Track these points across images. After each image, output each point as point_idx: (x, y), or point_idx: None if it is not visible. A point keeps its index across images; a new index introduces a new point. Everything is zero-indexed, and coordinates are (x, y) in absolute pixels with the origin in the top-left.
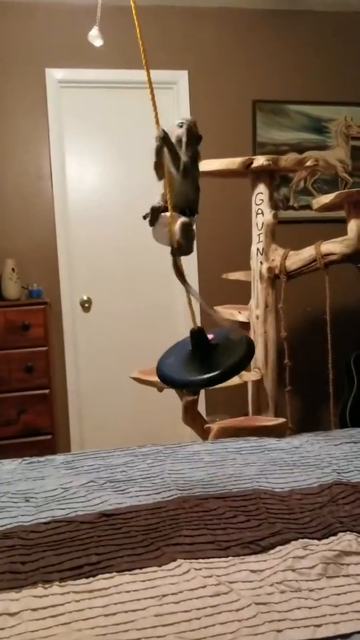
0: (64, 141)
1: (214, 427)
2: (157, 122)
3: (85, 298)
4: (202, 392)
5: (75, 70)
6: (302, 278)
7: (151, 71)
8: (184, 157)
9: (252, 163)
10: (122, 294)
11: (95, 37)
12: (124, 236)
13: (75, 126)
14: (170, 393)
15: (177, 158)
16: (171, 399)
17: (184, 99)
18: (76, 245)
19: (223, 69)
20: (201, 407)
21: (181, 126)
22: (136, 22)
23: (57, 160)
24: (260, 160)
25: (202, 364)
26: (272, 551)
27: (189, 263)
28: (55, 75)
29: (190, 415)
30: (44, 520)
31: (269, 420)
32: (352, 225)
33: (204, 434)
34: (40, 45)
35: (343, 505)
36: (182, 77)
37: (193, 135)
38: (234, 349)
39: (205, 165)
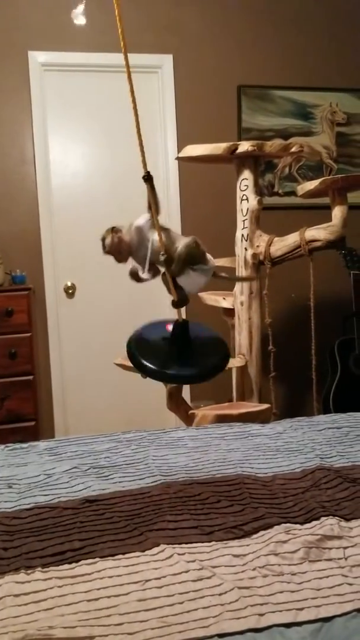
0: (47, 125)
1: (198, 413)
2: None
3: (69, 284)
4: None
5: (58, 53)
6: (286, 264)
7: (136, 55)
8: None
9: (237, 149)
10: (106, 280)
11: (78, 15)
12: (109, 221)
13: (59, 110)
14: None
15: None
16: (155, 386)
17: (169, 84)
18: (60, 230)
19: (208, 53)
20: (185, 394)
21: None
22: (116, 6)
23: (40, 144)
24: (245, 146)
25: (179, 357)
26: (254, 536)
27: None
28: (38, 58)
29: (175, 402)
30: (26, 507)
31: (253, 406)
32: (336, 212)
33: (188, 420)
34: (23, 27)
35: (325, 489)
36: (167, 61)
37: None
38: (212, 349)
39: (190, 150)
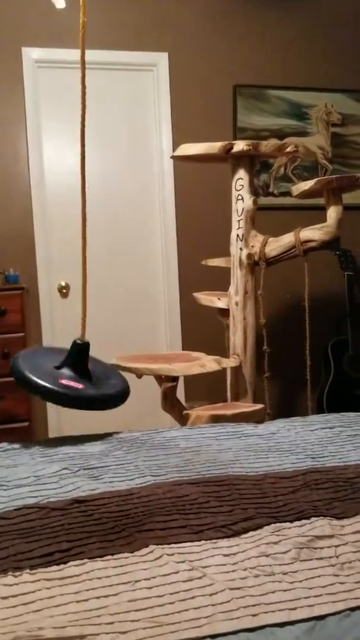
0: (41, 122)
1: (193, 413)
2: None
3: (63, 284)
4: (181, 379)
5: (52, 49)
6: (281, 265)
7: (131, 52)
8: None
9: (232, 148)
10: (101, 280)
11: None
12: (103, 220)
13: (53, 107)
14: (150, 380)
15: None
16: (150, 386)
17: (164, 82)
18: (54, 229)
19: (204, 52)
20: (180, 394)
21: None
22: None
23: (34, 142)
24: (240, 145)
25: (75, 374)
26: (244, 536)
27: (168, 248)
28: (32, 54)
29: (169, 402)
30: (14, 508)
31: (247, 406)
32: (331, 212)
33: (182, 421)
34: (17, 23)
35: (316, 490)
36: (162, 59)
37: None
38: (110, 382)
39: (185, 149)
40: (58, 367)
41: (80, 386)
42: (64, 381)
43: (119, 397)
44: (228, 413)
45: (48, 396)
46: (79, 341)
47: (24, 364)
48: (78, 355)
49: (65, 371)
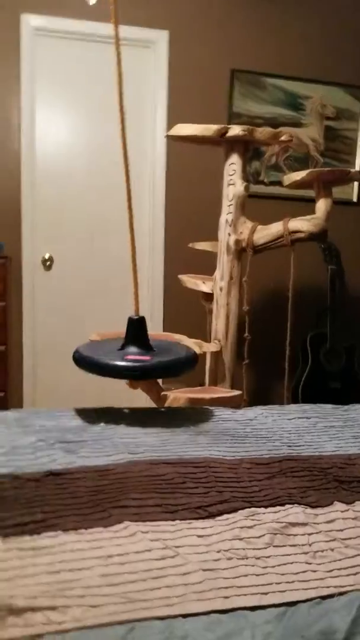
0: (35, 92)
1: (170, 395)
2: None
3: (47, 256)
4: None
5: (53, 18)
6: (268, 254)
7: (131, 27)
8: None
9: (227, 132)
10: (85, 255)
11: None
12: (90, 195)
13: (49, 77)
14: None
15: None
16: None
17: (163, 60)
18: (41, 201)
19: (204, 33)
20: None
21: None
22: None
23: (27, 111)
24: (236, 130)
25: (138, 349)
26: (219, 518)
27: (156, 228)
28: (31, 21)
29: (147, 382)
30: None
31: (225, 391)
32: (320, 205)
33: (159, 402)
34: None
35: (292, 477)
36: (162, 37)
37: None
38: (174, 350)
39: (180, 129)
40: (121, 348)
41: (147, 357)
42: (130, 357)
43: (188, 361)
44: (206, 397)
45: (120, 373)
46: (134, 317)
47: (88, 351)
48: (136, 330)
49: (129, 348)
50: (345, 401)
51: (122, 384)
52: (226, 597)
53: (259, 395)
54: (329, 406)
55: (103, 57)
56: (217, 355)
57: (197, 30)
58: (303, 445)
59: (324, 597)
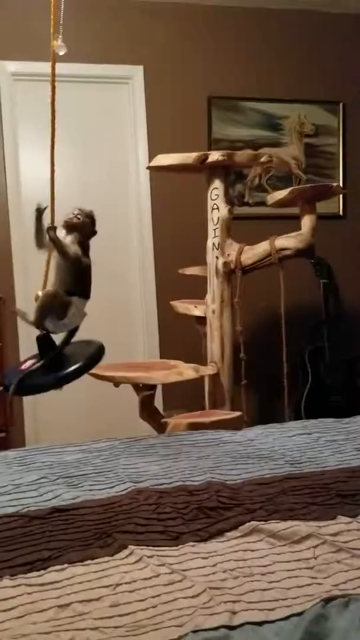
0: (18, 135)
1: (171, 421)
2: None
3: (40, 294)
4: (159, 387)
5: (29, 63)
6: (257, 273)
7: (107, 65)
8: (73, 249)
9: (207, 158)
10: None
11: (60, 47)
12: None
13: (30, 120)
14: (127, 388)
15: (64, 252)
16: (128, 395)
17: (140, 94)
18: (31, 240)
19: (179, 64)
20: (158, 403)
21: (79, 218)
22: None
23: (10, 154)
24: (215, 156)
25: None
26: (222, 538)
27: (145, 258)
28: (8, 67)
29: (147, 411)
30: None
31: (225, 413)
32: (305, 221)
33: (160, 429)
34: None
35: (294, 495)
36: (137, 72)
37: (86, 231)
38: (83, 351)
39: (161, 159)
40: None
41: (30, 362)
42: (22, 367)
43: (87, 363)
44: (206, 421)
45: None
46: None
47: (10, 376)
48: (41, 346)
49: (29, 363)
50: (349, 415)
51: (123, 412)
52: (234, 612)
53: (261, 415)
54: (330, 420)
55: (79, 96)
56: (214, 378)
57: (172, 62)
58: (305, 462)
59: (331, 607)
